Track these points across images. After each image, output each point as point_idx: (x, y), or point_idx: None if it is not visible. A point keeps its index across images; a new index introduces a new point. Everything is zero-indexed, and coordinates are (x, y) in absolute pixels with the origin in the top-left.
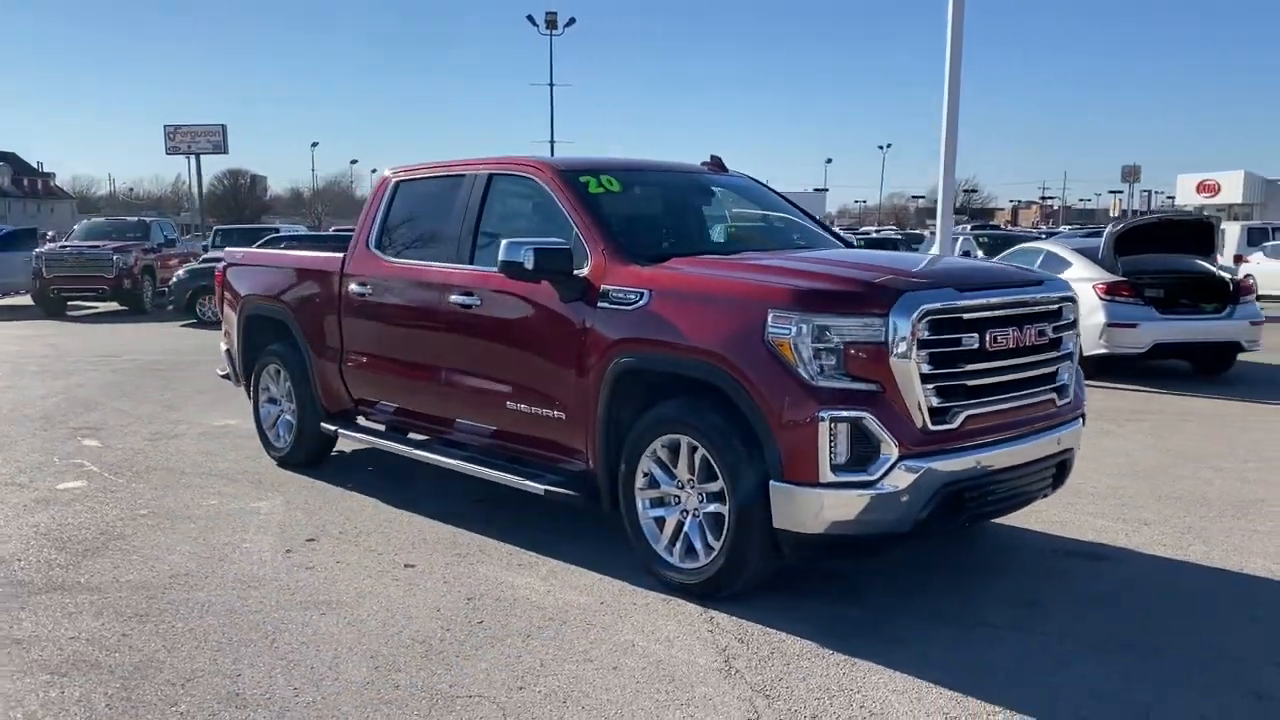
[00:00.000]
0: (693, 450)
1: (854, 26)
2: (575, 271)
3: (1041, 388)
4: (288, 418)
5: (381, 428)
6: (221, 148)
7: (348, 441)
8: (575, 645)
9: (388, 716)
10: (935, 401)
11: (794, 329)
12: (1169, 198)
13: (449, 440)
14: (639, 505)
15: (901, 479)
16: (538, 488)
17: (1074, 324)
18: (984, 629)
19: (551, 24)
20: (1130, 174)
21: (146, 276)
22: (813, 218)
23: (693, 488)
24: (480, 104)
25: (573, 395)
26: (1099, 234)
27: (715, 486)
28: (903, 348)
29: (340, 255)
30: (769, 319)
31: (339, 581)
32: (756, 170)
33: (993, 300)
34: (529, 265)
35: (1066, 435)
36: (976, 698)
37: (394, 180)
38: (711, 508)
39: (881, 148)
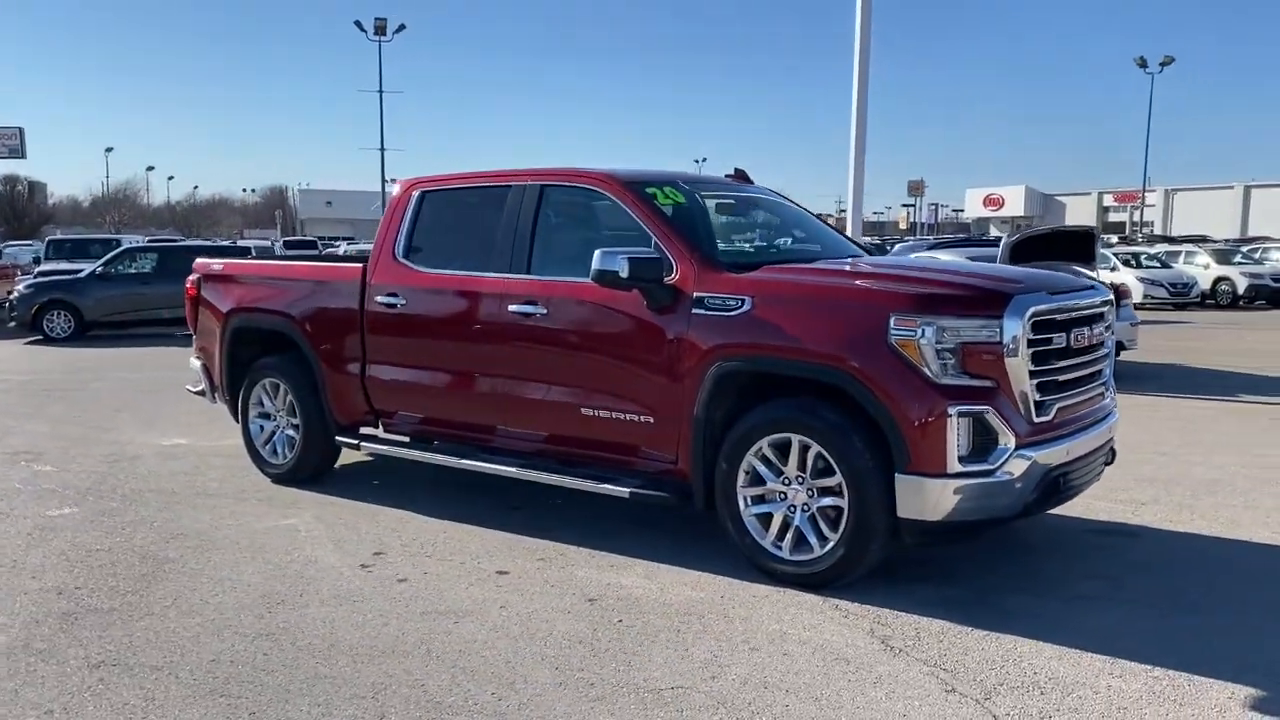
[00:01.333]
0: (804, 448)
1: (673, 39)
2: (665, 280)
3: (1098, 381)
4: (289, 433)
5: (406, 438)
6: (19, 152)
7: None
8: (731, 637)
9: (609, 713)
10: (1037, 396)
11: (919, 331)
12: (956, 210)
13: (492, 448)
14: (740, 502)
15: (1016, 467)
16: (623, 491)
17: (1111, 325)
18: (1079, 600)
19: (381, 30)
20: (915, 188)
21: None
22: (833, 227)
23: (801, 483)
24: (305, 110)
25: (662, 399)
26: (980, 243)
27: (831, 481)
28: (1014, 346)
29: (358, 266)
30: (891, 322)
31: (444, 591)
32: None
33: (1076, 303)
34: (624, 274)
35: (1113, 425)
36: (1124, 659)
37: (418, 191)
38: (826, 501)
39: (697, 161)
